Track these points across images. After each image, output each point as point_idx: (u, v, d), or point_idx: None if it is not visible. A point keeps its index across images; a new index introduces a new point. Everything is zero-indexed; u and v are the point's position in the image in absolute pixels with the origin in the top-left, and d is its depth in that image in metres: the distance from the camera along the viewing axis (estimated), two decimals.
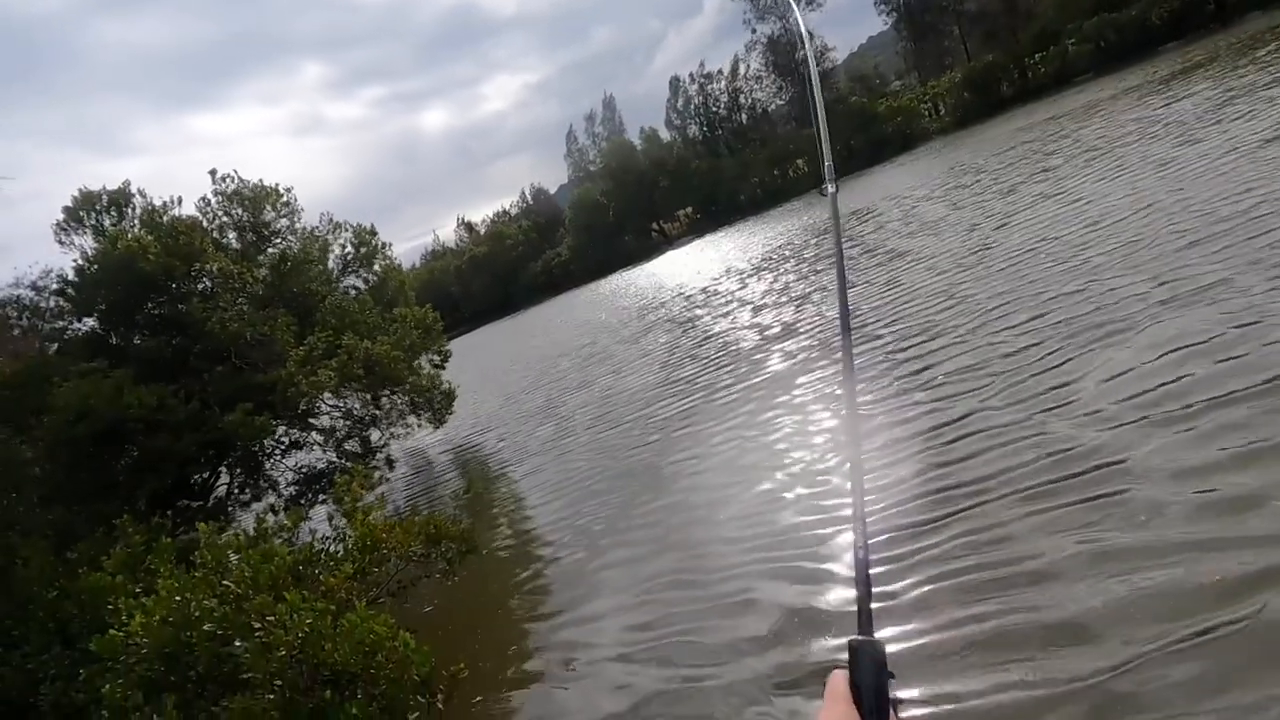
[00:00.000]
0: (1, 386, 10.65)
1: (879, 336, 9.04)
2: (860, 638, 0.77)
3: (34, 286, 17.17)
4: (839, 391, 7.54)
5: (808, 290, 14.17)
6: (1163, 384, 5.08)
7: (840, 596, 4.48)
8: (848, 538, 4.96)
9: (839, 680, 0.73)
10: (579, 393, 14.26)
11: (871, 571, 0.85)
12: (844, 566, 4.72)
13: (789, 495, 6.03)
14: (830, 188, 1.22)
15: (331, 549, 5.59)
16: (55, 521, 9.47)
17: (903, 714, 0.74)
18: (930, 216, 15.75)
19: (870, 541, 0.89)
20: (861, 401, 7.06)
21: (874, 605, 0.83)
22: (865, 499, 0.91)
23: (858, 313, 10.25)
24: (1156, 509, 3.95)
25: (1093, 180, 12.28)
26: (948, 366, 7.18)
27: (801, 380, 8.79)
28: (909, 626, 3.92)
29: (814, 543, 5.15)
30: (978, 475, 5.03)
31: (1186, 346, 5.43)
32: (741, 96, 59.95)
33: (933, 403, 6.50)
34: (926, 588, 4.17)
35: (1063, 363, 6.09)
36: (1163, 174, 10.66)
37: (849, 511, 0.94)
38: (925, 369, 7.37)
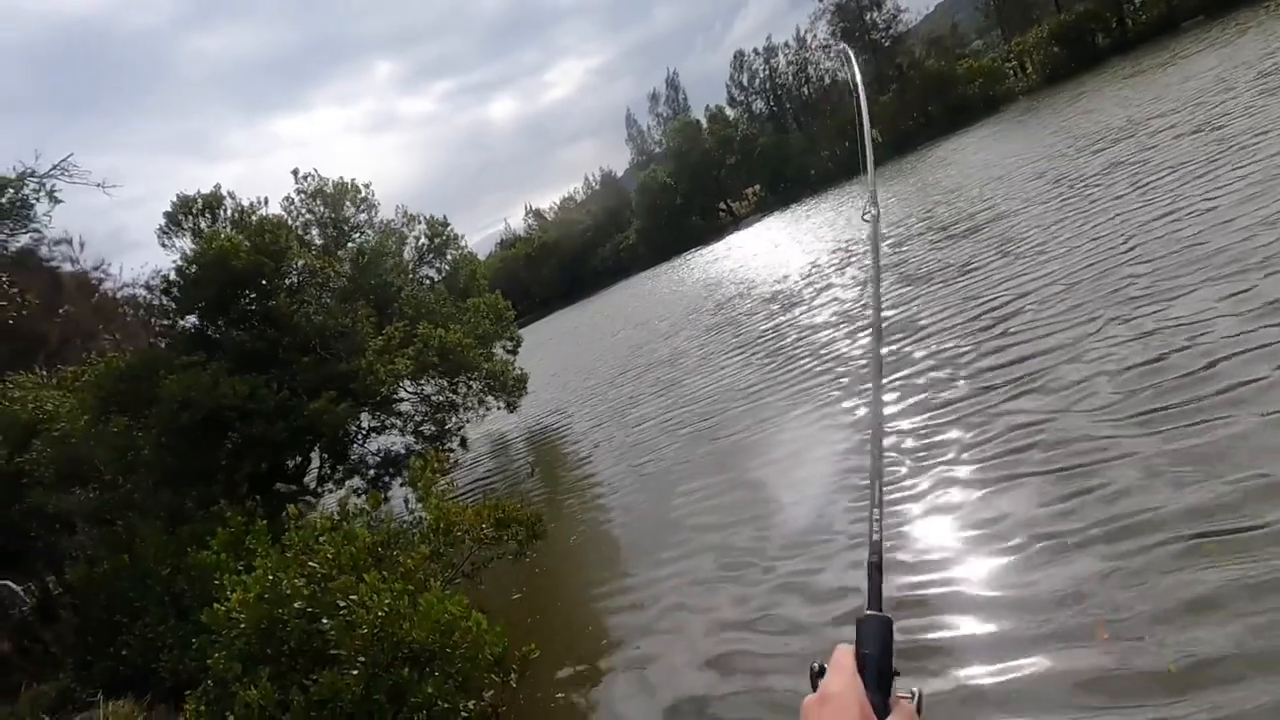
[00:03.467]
0: (119, 379, 11.64)
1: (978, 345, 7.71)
2: (869, 613, 0.81)
3: (146, 286, 18.67)
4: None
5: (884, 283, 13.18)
6: None
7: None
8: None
9: (844, 653, 0.77)
10: (652, 387, 14.00)
11: (885, 553, 0.90)
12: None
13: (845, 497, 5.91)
14: (873, 210, 1.30)
15: (408, 531, 5.82)
16: (167, 503, 10.32)
17: (908, 683, 0.76)
18: (1056, 192, 12.96)
19: (888, 522, 0.95)
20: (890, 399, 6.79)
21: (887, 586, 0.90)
22: (884, 479, 0.97)
23: (937, 315, 9.28)
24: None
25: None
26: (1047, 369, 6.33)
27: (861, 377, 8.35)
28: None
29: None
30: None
31: None
32: (810, 68, 57.89)
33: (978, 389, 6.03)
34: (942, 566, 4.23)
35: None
36: None
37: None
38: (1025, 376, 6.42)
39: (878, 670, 0.74)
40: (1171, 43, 29.30)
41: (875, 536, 0.90)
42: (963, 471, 5.37)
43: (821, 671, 0.77)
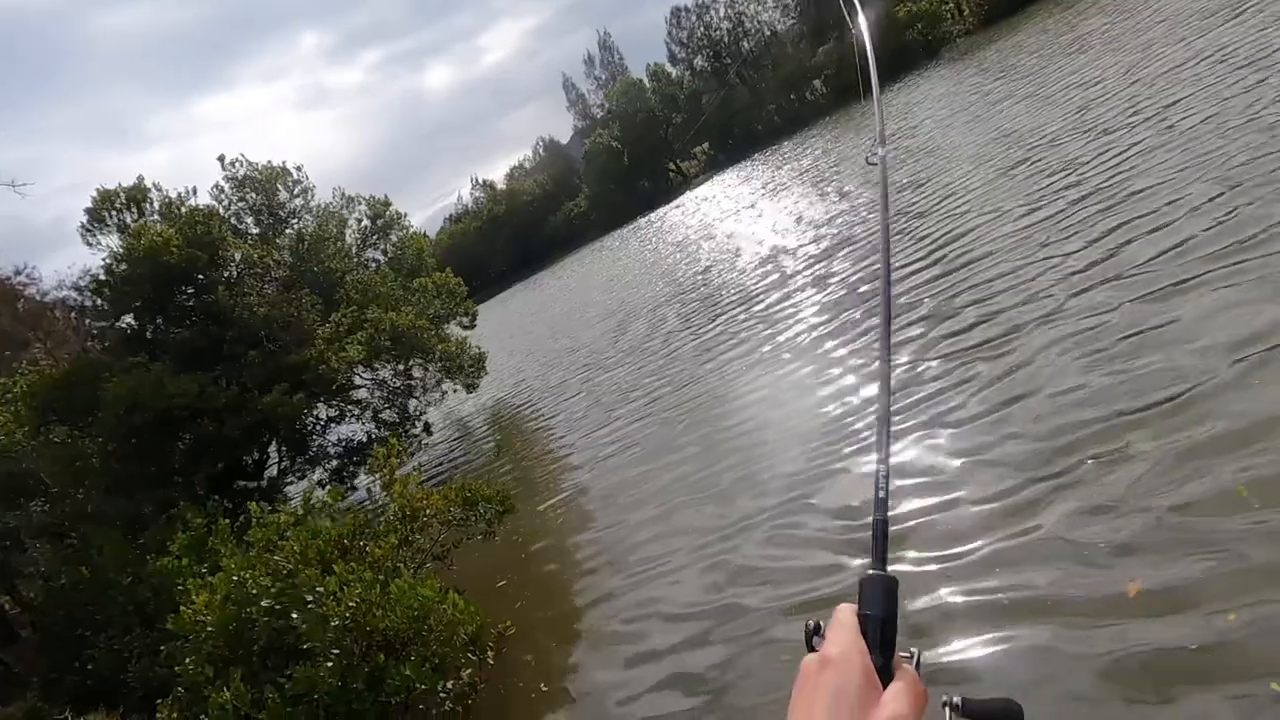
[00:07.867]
0: (54, 387, 11.15)
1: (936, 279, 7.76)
2: (873, 571, 0.76)
3: (75, 287, 17.73)
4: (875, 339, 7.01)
5: (849, 237, 12.42)
6: None
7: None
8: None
9: (846, 613, 0.72)
10: (613, 356, 13.97)
11: (890, 510, 0.84)
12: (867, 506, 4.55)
13: (819, 440, 5.99)
14: (880, 151, 1.09)
15: (375, 521, 5.79)
16: (123, 511, 10.02)
17: (911, 649, 0.72)
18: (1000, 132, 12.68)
19: (893, 483, 0.85)
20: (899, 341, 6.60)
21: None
22: (891, 432, 0.87)
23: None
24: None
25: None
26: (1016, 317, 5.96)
27: (837, 335, 8.29)
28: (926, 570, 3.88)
29: (843, 486, 5.14)
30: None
31: None
32: (745, 21, 57.16)
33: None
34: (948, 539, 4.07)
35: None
36: None
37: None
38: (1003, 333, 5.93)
39: (881, 633, 0.71)
40: None
41: (881, 493, 0.83)
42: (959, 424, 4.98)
43: (818, 629, 0.73)
